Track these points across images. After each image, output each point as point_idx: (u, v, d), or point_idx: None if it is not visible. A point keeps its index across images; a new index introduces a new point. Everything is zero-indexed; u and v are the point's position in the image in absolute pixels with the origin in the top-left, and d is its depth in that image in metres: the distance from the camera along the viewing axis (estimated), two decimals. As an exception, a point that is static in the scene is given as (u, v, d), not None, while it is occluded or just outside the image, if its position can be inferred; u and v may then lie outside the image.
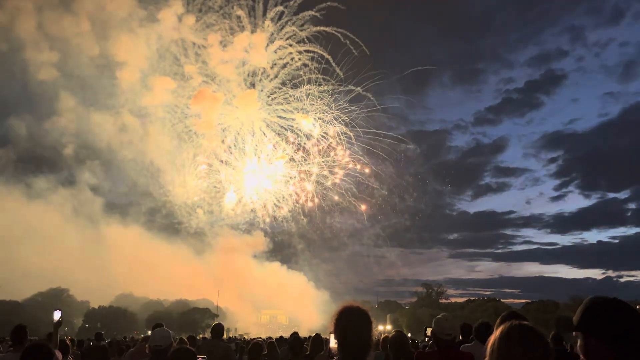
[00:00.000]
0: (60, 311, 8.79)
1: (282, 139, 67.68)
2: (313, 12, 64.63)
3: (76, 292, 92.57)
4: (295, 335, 9.23)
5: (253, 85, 67.64)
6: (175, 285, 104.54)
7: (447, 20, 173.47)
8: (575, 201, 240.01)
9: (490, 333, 2.56)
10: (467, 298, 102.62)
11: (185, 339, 11.75)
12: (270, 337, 30.01)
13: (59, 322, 8.72)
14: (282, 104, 66.23)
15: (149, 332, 9.96)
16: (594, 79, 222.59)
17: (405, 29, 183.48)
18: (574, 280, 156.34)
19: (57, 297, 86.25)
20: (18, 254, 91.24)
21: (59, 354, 7.04)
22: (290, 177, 72.38)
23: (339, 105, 70.42)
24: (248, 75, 66.74)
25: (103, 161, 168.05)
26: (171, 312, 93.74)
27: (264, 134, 70.69)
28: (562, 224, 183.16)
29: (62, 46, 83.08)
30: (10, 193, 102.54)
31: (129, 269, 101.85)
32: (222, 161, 70.92)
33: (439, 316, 5.96)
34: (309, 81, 63.38)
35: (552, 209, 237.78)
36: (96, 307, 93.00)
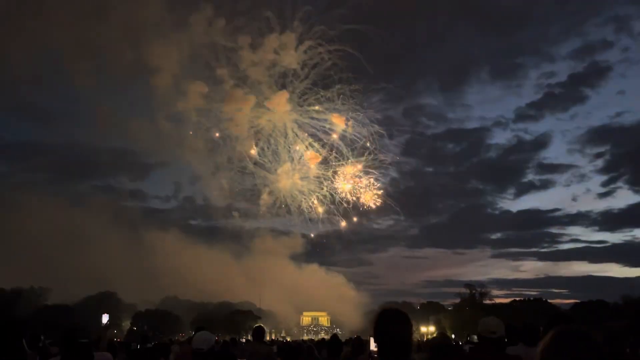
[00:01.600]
0: (107, 315, 9.07)
1: (315, 140, 67.80)
2: (343, 11, 64.57)
3: (124, 295, 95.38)
4: (334, 337, 9.21)
5: (284, 86, 68.12)
6: (217, 288, 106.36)
7: (484, 14, 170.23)
8: (625, 197, 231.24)
9: (536, 335, 2.47)
10: (512, 299, 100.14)
11: (228, 341, 11.92)
12: (311, 340, 30.06)
13: (107, 325, 9.00)
14: (313, 105, 66.39)
15: (193, 334, 10.13)
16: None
17: (441, 25, 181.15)
18: (626, 279, 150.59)
19: (106, 300, 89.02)
20: (67, 259, 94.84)
21: (108, 355, 7.28)
22: (325, 178, 72.42)
23: (372, 103, 70.05)
24: (279, 76, 67.25)
25: (140, 166, 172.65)
26: (215, 314, 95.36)
27: (297, 135, 70.95)
28: (611, 221, 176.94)
29: (98, 54, 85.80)
30: (54, 200, 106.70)
31: (172, 272, 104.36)
32: (255, 163, 71.57)
33: (484, 318, 5.86)
34: (340, 80, 63.29)
35: (600, 205, 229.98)
36: (143, 310, 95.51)
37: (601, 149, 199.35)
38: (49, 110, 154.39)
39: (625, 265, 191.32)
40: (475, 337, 6.07)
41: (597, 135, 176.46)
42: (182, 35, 71.62)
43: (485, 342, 5.52)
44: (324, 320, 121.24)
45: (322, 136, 69.26)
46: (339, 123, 66.84)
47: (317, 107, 65.39)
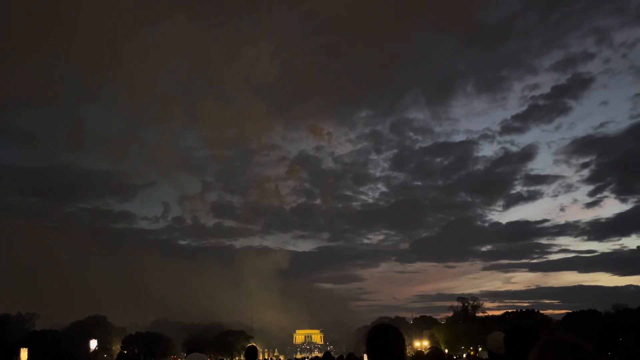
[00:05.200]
0: (95, 340, 8.94)
1: (296, 161, 68.02)
2: (322, 26, 65.38)
3: (113, 319, 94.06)
4: (327, 355, 9.15)
5: (261, 98, 68.40)
6: (209, 308, 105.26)
7: (467, 29, 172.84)
8: (612, 206, 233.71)
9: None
10: (505, 311, 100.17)
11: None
12: (305, 358, 29.86)
13: (95, 351, 8.86)
14: (293, 119, 66.82)
15: (185, 356, 10.02)
16: (622, 80, 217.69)
17: (425, 40, 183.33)
18: (616, 288, 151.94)
19: (95, 324, 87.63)
20: (55, 283, 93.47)
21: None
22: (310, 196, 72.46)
23: (360, 118, 70.51)
24: (257, 88, 67.88)
25: (128, 187, 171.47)
26: (206, 335, 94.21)
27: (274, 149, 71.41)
28: (599, 230, 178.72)
29: (74, 72, 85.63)
30: (41, 224, 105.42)
31: (162, 294, 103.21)
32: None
33: (492, 333, 5.90)
34: (320, 92, 63.95)
35: (588, 215, 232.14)
36: (133, 333, 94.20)
37: (587, 159, 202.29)
38: (34, 133, 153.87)
39: (615, 274, 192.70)
40: (486, 352, 6.10)
41: (582, 145, 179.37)
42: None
43: (496, 358, 5.53)
44: (317, 338, 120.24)
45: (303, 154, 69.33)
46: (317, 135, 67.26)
47: (296, 121, 65.78)
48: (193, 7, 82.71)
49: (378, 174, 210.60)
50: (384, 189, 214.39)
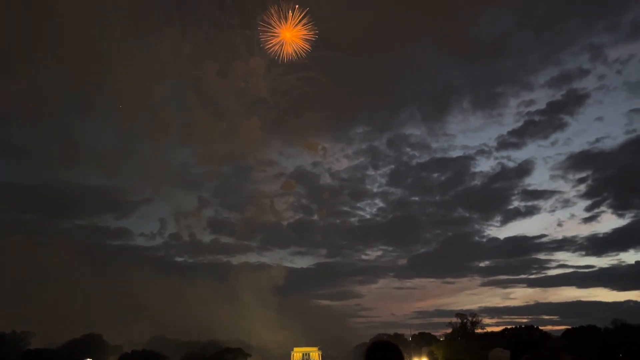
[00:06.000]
0: None
1: (293, 177, 67.69)
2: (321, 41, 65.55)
3: (109, 337, 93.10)
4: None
5: (255, 114, 68.42)
6: (206, 325, 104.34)
7: (462, 46, 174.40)
8: (609, 221, 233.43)
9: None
10: (504, 327, 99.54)
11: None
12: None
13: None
14: (289, 135, 66.59)
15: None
16: (617, 96, 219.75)
17: (421, 56, 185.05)
18: (615, 303, 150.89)
19: (90, 343, 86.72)
20: (50, 301, 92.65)
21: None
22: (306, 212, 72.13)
23: (357, 134, 70.53)
24: (250, 104, 67.78)
25: (125, 203, 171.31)
26: (204, 352, 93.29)
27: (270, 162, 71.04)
28: (597, 245, 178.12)
29: (67, 88, 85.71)
30: (36, 241, 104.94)
31: (159, 311, 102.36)
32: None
33: (493, 350, 5.90)
34: (314, 108, 63.88)
35: (586, 230, 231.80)
36: (129, 351, 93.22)
37: (583, 174, 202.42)
38: (29, 149, 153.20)
39: (614, 289, 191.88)
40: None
41: (579, 161, 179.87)
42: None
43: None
44: (315, 355, 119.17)
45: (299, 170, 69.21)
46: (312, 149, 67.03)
47: (291, 136, 65.68)
48: (185, 23, 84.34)
49: (375, 190, 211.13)
50: (381, 204, 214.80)
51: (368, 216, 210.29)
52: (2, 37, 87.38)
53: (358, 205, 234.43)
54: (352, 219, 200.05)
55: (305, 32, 72.60)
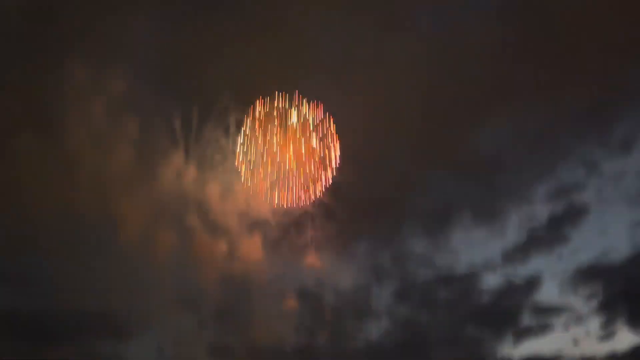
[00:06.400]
0: None
1: (295, 296, 65.24)
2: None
3: None
4: None
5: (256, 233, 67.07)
6: None
7: (459, 161, 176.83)
8: (626, 338, 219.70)
9: None
10: None
11: None
12: None
13: None
14: (290, 253, 65.04)
15: None
16: (618, 209, 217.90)
17: (419, 173, 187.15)
18: None
19: None
20: None
21: None
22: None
23: (359, 249, 69.07)
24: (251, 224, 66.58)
25: (121, 329, 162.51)
26: None
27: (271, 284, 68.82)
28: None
29: (65, 211, 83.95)
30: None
31: None
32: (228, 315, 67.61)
33: None
34: (316, 225, 62.53)
35: (603, 348, 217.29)
36: None
37: (593, 289, 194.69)
38: (21, 276, 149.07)
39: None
40: None
41: (587, 275, 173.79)
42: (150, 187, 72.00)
43: None
44: None
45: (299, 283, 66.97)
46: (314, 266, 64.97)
47: (290, 257, 64.09)
48: (189, 144, 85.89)
49: (381, 308, 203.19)
50: (387, 324, 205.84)
51: (374, 337, 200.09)
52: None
53: (363, 325, 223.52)
54: (358, 341, 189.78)
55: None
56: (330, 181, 65.68)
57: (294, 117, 58.71)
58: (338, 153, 60.88)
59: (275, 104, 60.47)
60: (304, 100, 63.57)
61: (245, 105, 70.00)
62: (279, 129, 63.57)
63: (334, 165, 60.57)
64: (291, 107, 59.19)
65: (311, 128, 61.28)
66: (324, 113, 60.02)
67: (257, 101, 61.19)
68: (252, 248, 66.55)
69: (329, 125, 59.53)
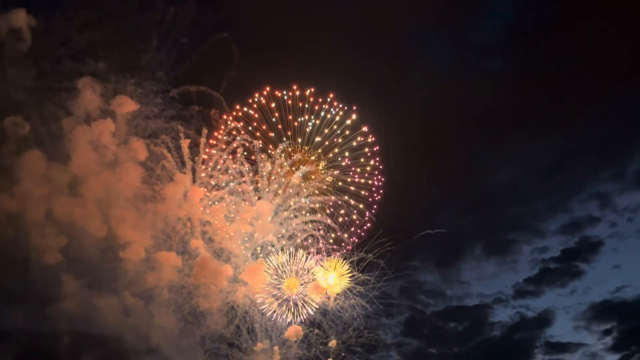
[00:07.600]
0: None
1: (295, 316, 63.66)
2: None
3: None
4: None
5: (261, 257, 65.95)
6: None
7: (470, 193, 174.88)
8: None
9: None
10: None
11: None
12: None
13: None
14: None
15: None
16: (632, 243, 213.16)
17: (430, 204, 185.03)
18: None
19: None
20: None
21: None
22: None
23: (368, 280, 67.54)
24: (255, 248, 65.68)
25: (105, 351, 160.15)
26: None
27: (274, 311, 67.42)
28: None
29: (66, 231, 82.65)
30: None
31: None
32: (231, 344, 65.84)
33: None
34: (321, 253, 61.33)
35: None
36: None
37: (607, 326, 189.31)
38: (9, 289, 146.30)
39: None
40: None
41: (601, 311, 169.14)
42: (155, 209, 71.10)
43: None
44: None
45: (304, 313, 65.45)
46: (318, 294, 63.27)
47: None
48: (196, 167, 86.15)
49: (390, 340, 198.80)
50: (397, 357, 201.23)
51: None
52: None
53: (372, 358, 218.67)
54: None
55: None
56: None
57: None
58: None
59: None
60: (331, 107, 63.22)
61: (253, 129, 69.51)
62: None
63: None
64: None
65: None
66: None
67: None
68: (257, 271, 65.16)
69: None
